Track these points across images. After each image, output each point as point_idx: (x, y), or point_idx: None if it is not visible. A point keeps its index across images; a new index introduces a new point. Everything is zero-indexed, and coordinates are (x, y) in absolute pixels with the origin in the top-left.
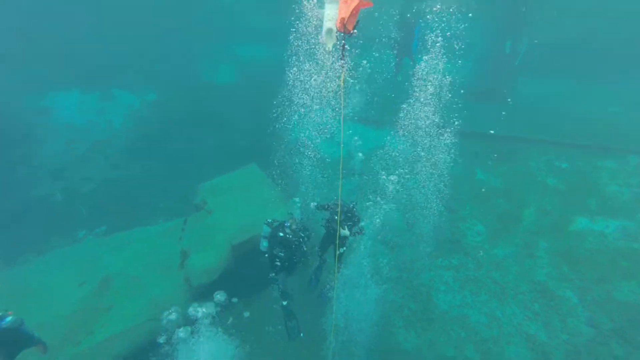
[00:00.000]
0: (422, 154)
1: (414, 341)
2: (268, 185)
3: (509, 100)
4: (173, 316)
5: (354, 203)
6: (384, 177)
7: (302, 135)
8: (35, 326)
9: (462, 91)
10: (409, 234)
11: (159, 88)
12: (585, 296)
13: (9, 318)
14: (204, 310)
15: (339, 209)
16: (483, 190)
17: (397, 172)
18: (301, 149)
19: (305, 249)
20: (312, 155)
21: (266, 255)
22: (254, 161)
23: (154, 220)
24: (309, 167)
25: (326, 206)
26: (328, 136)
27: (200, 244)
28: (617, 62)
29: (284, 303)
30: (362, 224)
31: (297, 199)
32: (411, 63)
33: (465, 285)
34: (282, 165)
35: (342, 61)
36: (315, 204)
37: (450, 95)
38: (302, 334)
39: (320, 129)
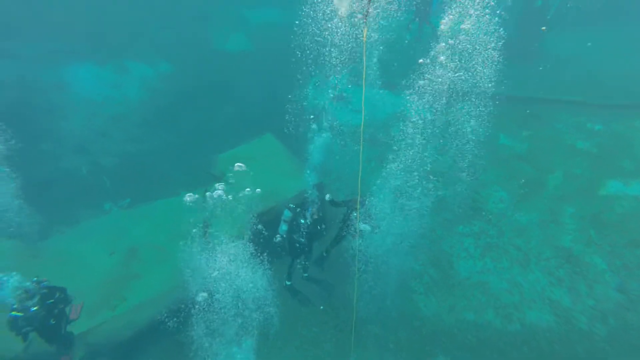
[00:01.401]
0: (441, 119)
1: (434, 307)
2: (285, 155)
3: (539, 67)
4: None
5: (366, 198)
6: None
7: (319, 103)
8: (74, 293)
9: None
10: (428, 201)
11: (171, 58)
12: (614, 261)
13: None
14: None
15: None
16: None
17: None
18: (317, 119)
19: (323, 234)
20: (329, 125)
21: (283, 237)
22: (269, 131)
23: (174, 192)
24: (327, 137)
25: (341, 204)
26: (346, 102)
27: (222, 215)
28: None
29: (287, 283)
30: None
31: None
32: (428, 25)
33: (486, 252)
34: (299, 136)
35: (366, 17)
36: (330, 197)
37: (472, 57)
38: (322, 307)
39: (338, 96)
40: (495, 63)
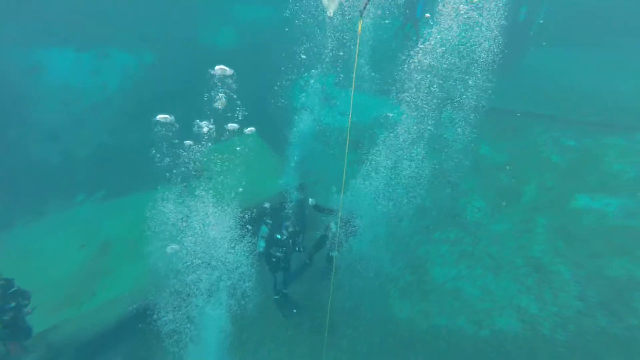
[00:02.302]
0: (425, 127)
1: (408, 311)
2: (268, 153)
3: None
4: None
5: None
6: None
7: (305, 104)
8: (37, 288)
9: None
10: (408, 207)
11: (156, 48)
12: (578, 271)
13: None
14: None
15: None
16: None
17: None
18: (303, 120)
19: (300, 250)
20: (313, 125)
21: (262, 253)
22: (254, 129)
23: (152, 186)
24: (311, 139)
25: (325, 210)
26: (332, 105)
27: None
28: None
29: (276, 297)
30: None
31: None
32: (414, 29)
33: (461, 259)
34: (283, 135)
35: (363, 10)
36: (314, 202)
37: (455, 67)
38: (294, 310)
39: (325, 98)
40: (478, 75)
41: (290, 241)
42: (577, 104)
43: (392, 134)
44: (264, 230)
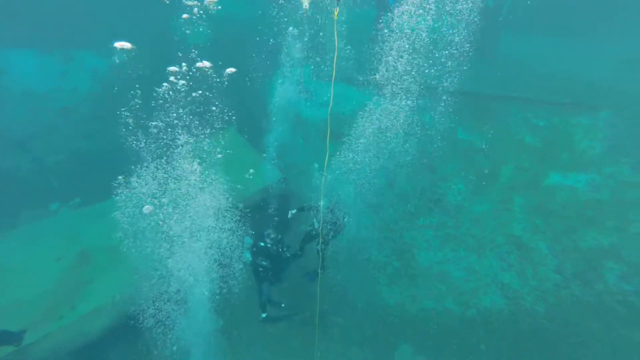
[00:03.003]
0: (402, 114)
1: (397, 297)
2: (248, 149)
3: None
4: None
5: (333, 204)
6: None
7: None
8: (11, 303)
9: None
10: (390, 195)
11: (126, 48)
12: (554, 246)
13: None
14: None
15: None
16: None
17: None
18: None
19: (288, 254)
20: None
21: (249, 265)
22: (233, 125)
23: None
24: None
25: (304, 208)
26: (310, 96)
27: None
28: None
29: (263, 316)
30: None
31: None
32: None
33: (445, 243)
34: (262, 130)
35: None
36: (293, 212)
37: (429, 52)
38: (282, 304)
39: (303, 90)
40: (453, 60)
41: (275, 247)
42: (546, 85)
43: (371, 123)
44: (248, 241)
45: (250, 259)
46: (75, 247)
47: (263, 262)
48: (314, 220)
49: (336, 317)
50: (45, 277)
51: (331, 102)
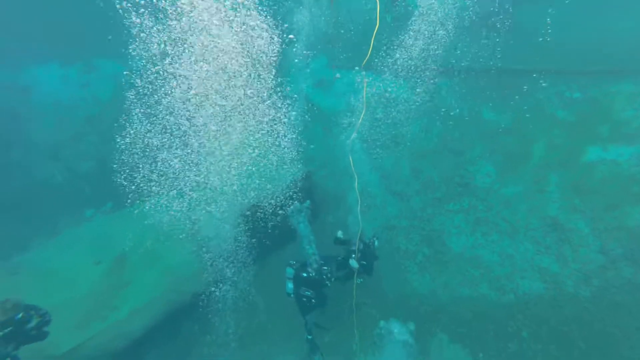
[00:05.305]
0: (420, 97)
1: (429, 285)
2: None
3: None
4: None
5: (375, 238)
6: None
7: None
8: (57, 307)
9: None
10: (416, 183)
11: (142, 52)
12: (596, 225)
13: None
14: None
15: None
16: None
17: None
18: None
19: (329, 284)
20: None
21: (292, 296)
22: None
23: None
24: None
25: (348, 242)
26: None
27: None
28: None
29: (309, 337)
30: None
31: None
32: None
33: (476, 227)
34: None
35: None
36: (341, 235)
37: (444, 29)
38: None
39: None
40: (471, 37)
41: (318, 276)
42: (578, 55)
43: (391, 110)
44: (290, 272)
45: (292, 287)
46: (113, 251)
47: (307, 292)
48: (350, 260)
49: (370, 309)
50: (86, 281)
51: (365, 86)
